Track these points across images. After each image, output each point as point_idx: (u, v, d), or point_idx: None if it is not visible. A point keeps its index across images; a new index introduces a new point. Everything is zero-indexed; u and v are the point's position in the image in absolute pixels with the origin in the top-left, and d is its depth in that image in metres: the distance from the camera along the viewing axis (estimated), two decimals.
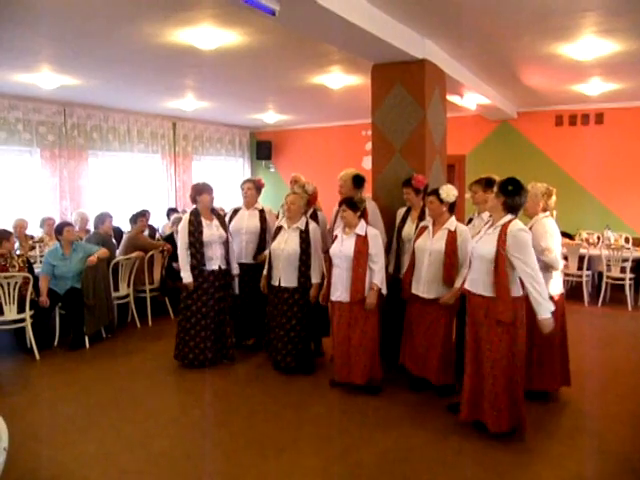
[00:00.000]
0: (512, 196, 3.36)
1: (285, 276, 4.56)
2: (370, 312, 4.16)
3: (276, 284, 4.61)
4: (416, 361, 4.22)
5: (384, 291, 4.20)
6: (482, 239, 3.49)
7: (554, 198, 4.16)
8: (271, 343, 4.74)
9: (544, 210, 4.11)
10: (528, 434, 3.56)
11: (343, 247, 4.19)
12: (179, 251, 4.78)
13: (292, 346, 4.59)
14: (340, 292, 4.22)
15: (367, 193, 4.89)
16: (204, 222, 4.75)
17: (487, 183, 4.28)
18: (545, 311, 3.27)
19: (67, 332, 5.61)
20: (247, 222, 5.16)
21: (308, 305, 4.59)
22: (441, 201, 4.06)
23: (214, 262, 4.77)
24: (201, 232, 4.70)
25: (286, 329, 4.58)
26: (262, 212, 5.25)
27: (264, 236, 5.16)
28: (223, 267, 4.82)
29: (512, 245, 3.29)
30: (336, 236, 4.34)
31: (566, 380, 4.17)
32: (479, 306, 3.45)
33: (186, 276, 4.71)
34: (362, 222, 4.22)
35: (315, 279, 4.57)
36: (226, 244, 4.85)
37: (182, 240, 4.74)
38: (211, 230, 4.76)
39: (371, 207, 4.57)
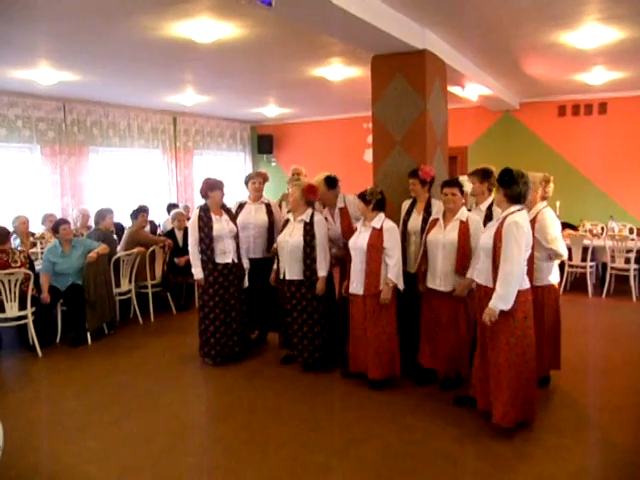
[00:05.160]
0: (510, 186, 3.38)
1: (290, 269, 4.53)
2: (384, 306, 4.12)
3: (282, 277, 4.61)
4: (440, 356, 4.13)
5: (400, 286, 4.15)
6: (487, 231, 3.54)
7: (552, 186, 4.16)
8: (290, 339, 4.70)
9: (543, 198, 4.10)
10: (531, 426, 3.54)
11: (359, 239, 4.18)
12: (190, 247, 4.76)
13: (308, 342, 4.56)
14: (356, 285, 4.19)
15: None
16: (214, 217, 4.74)
17: (484, 174, 4.24)
18: (496, 304, 3.27)
19: (69, 329, 5.61)
20: (255, 216, 5.11)
21: (319, 299, 4.54)
22: (462, 193, 4.02)
23: (227, 256, 4.76)
24: (211, 227, 4.69)
25: (298, 323, 4.56)
26: (268, 206, 5.20)
27: (272, 229, 5.12)
28: (236, 261, 4.83)
29: (503, 235, 3.31)
30: (356, 228, 4.34)
31: (556, 364, 4.16)
32: (484, 297, 3.44)
33: (197, 272, 4.70)
34: (380, 215, 4.18)
35: (321, 272, 4.50)
36: (236, 238, 4.86)
37: (192, 236, 4.73)
38: (221, 225, 4.75)
39: (350, 200, 4.77)
